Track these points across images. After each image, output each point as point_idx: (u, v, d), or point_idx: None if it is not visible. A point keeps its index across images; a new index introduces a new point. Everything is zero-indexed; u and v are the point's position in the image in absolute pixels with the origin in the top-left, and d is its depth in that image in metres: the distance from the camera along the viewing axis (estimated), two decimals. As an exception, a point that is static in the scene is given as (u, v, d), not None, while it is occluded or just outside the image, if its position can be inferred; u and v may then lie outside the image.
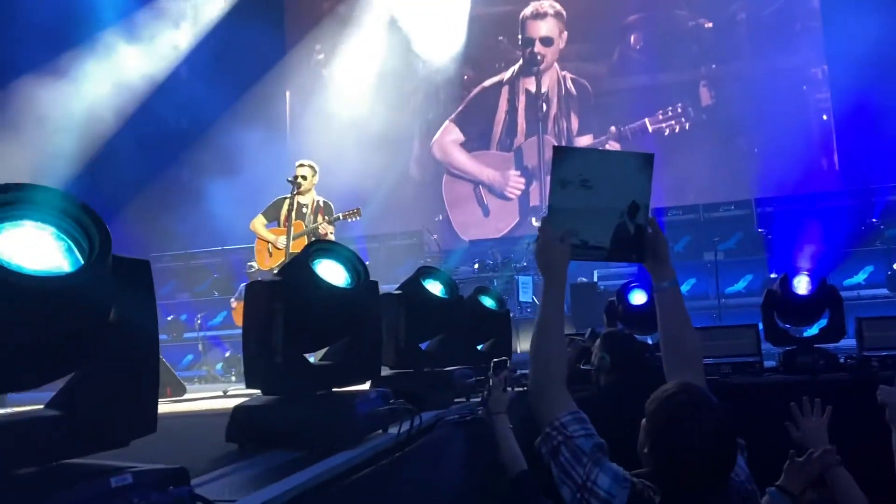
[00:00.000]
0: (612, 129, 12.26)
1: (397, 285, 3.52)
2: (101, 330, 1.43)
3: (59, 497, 1.26)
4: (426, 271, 3.48)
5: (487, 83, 13.26)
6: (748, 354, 4.62)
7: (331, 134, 11.91)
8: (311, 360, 3.06)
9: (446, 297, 3.43)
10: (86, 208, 1.38)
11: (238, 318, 8.89)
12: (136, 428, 1.48)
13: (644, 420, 1.95)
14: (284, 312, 2.31)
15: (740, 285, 9.44)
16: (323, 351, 2.88)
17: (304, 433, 2.25)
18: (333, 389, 2.51)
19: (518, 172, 12.81)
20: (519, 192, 12.77)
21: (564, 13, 12.79)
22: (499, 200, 13.02)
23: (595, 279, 9.75)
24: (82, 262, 1.38)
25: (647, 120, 12.07)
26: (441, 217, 13.07)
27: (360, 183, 10.84)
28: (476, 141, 13.27)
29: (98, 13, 10.85)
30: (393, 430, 2.46)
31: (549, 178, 2.05)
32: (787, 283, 4.56)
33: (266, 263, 6.81)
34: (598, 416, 2.26)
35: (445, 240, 11.68)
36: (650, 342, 4.80)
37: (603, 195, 2.03)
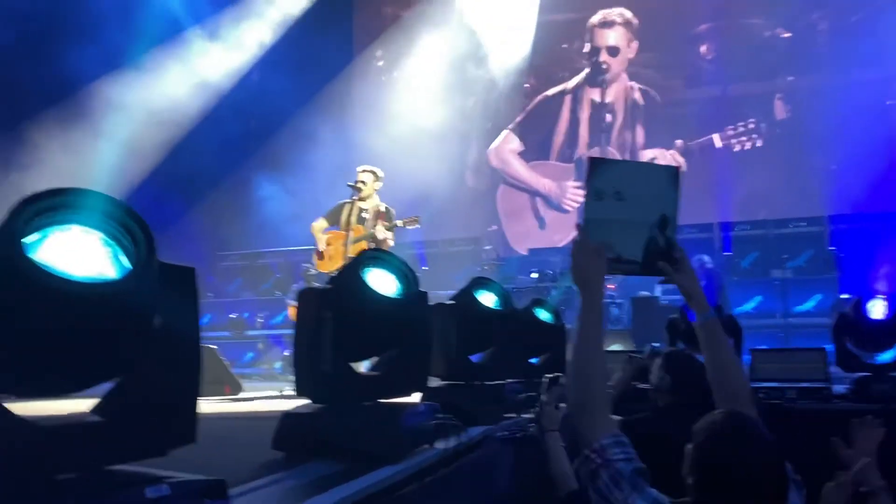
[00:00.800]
0: (679, 142, 11.67)
1: (453, 291, 3.48)
2: (145, 336, 1.42)
3: (94, 505, 1.26)
4: (480, 282, 3.42)
5: (550, 92, 12.99)
6: (816, 379, 4.39)
7: (392, 139, 11.93)
8: (365, 366, 3.04)
9: (499, 309, 3.36)
10: (132, 213, 1.38)
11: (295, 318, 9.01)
12: (175, 438, 1.47)
13: (689, 447, 1.87)
14: (334, 321, 2.29)
15: (809, 305, 9.05)
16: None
17: (348, 444, 2.22)
18: (381, 400, 2.48)
19: (578, 184, 12.49)
20: (577, 205, 12.45)
21: (635, 22, 12.32)
22: (555, 212, 12.59)
23: (656, 293, 9.51)
24: (128, 269, 1.37)
25: (715, 135, 11.50)
26: (495, 227, 12.74)
27: (416, 188, 10.80)
28: (535, 151, 12.91)
29: (175, 13, 11.26)
30: (439, 445, 2.41)
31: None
32: (860, 306, 4.32)
33: (323, 266, 6.85)
34: (655, 438, 2.15)
35: (500, 250, 11.54)
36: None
37: (635, 208, 1.97)
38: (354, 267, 2.38)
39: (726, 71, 11.65)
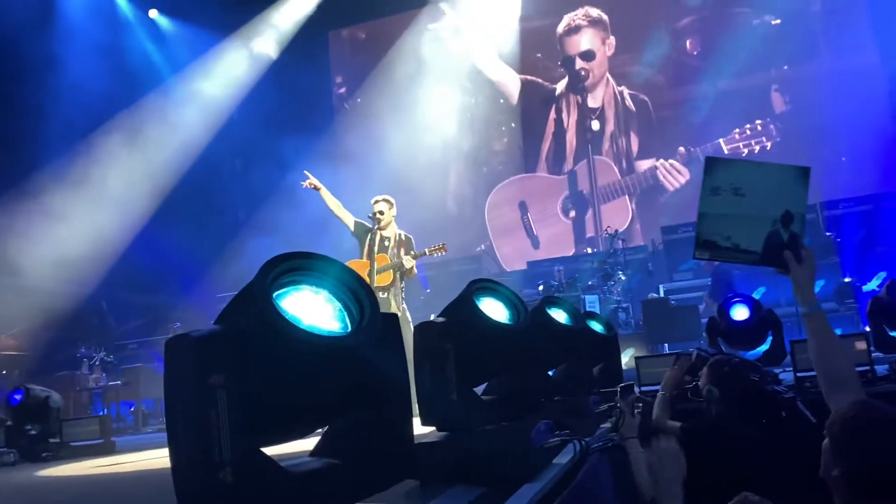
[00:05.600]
0: (681, 150, 11.15)
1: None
2: (366, 381, 1.54)
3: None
4: (550, 301, 3.54)
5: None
6: (860, 364, 4.54)
7: (376, 167, 11.54)
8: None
9: (572, 326, 3.49)
10: (360, 280, 1.51)
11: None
12: (400, 472, 1.59)
13: (827, 443, 1.97)
14: (455, 351, 2.41)
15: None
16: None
17: (488, 467, 2.32)
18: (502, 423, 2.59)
19: (570, 198, 11.96)
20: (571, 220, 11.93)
21: (605, 19, 11.81)
22: (550, 230, 11.99)
23: (662, 294, 9.64)
24: (350, 326, 1.50)
25: (721, 141, 10.86)
26: (483, 247, 12.15)
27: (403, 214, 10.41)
28: (519, 163, 12.45)
29: (153, 68, 11.60)
30: (556, 461, 2.52)
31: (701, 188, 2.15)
32: (893, 288, 4.51)
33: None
34: (711, 448, 2.29)
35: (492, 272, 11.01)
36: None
37: (756, 203, 2.14)
38: (468, 298, 2.50)
39: (714, 66, 11.08)
